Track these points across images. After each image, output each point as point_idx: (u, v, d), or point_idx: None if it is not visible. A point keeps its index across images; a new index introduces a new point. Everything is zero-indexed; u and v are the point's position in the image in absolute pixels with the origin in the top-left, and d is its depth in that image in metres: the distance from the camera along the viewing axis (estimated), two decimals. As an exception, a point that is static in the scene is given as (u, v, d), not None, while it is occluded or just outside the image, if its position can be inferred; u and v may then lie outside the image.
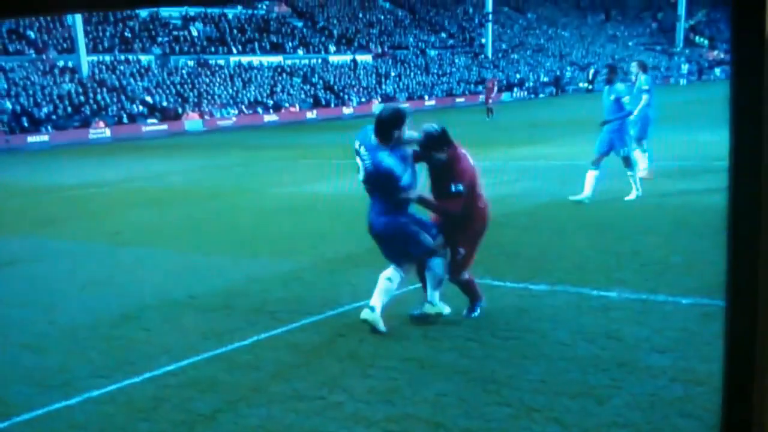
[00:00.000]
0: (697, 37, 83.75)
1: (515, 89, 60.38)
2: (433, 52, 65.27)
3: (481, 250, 6.59)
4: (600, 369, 4.63)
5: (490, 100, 36.16)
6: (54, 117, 39.47)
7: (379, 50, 61.69)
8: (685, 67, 71.98)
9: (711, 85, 60.12)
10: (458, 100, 56.20)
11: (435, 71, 60.72)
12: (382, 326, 6.13)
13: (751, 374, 1.16)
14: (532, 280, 7.64)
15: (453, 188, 6.18)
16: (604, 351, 5.19)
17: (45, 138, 37.74)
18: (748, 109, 1.08)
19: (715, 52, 79.97)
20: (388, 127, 6.06)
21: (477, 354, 5.78)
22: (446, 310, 6.47)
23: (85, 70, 44.29)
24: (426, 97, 53.58)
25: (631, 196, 12.13)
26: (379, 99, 51.99)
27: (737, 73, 1.09)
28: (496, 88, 38.18)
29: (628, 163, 12.23)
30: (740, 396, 1.18)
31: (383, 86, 55.44)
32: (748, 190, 1.11)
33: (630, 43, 79.25)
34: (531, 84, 62.24)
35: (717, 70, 74.29)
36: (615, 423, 4.58)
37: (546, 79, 64.24)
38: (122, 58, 47.33)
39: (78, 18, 43.25)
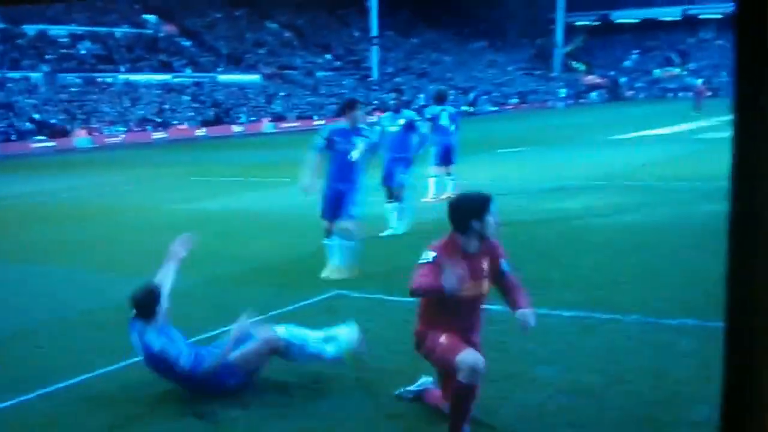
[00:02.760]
0: (574, 63, 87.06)
1: (402, 110, 61.42)
2: (321, 74, 65.72)
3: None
4: (488, 380, 4.75)
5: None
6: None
7: (268, 70, 61.76)
8: (562, 92, 74.67)
9: (588, 108, 62.64)
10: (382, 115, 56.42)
11: (324, 92, 61.18)
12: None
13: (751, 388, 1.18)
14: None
15: None
16: (492, 363, 5.30)
17: (-66, 155, 35.92)
18: (751, 124, 1.11)
19: (591, 77, 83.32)
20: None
21: (371, 366, 5.85)
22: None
23: (-28, 88, 42.87)
24: (315, 117, 53.82)
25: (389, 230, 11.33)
26: (269, 118, 52.05)
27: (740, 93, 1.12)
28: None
29: (400, 194, 11.45)
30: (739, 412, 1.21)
31: (273, 105, 55.47)
32: (748, 205, 1.15)
33: (509, 68, 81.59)
34: (416, 107, 63.42)
35: (593, 94, 77.40)
36: (503, 433, 4.72)
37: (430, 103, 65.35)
38: (10, 75, 46.33)
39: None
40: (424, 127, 11.37)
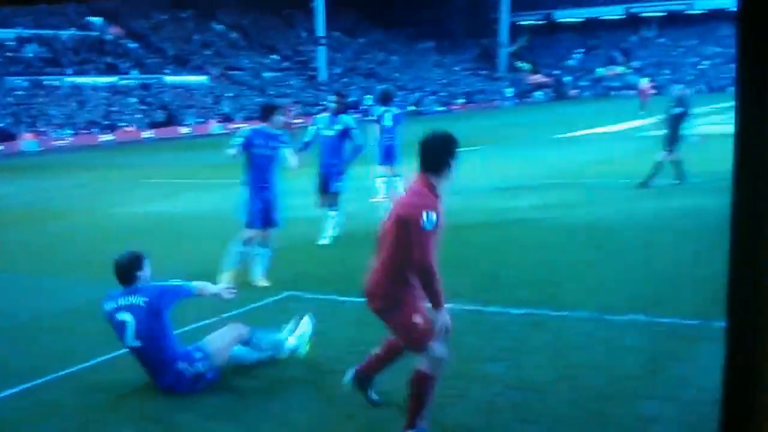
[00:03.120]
0: (519, 62, 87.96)
1: (350, 111, 61.51)
2: (268, 74, 65.40)
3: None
4: (441, 378, 4.81)
5: (291, 126, 36.14)
6: None
7: (215, 72, 61.30)
8: (508, 91, 75.41)
9: (533, 107, 63.36)
10: (296, 121, 56.34)
11: (272, 93, 60.96)
12: None
13: (753, 389, 1.19)
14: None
15: None
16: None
17: None
18: (754, 128, 1.11)
19: (536, 76, 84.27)
20: None
21: (323, 369, 5.87)
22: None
23: None
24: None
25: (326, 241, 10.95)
26: (217, 119, 51.67)
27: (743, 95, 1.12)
28: (292, 115, 38.41)
29: (335, 201, 11.10)
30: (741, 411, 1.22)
31: (220, 107, 55.06)
32: (750, 204, 1.13)
33: (456, 68, 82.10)
34: (365, 107, 63.47)
35: (538, 93, 78.28)
36: (457, 430, 4.78)
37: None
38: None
39: None
40: (359, 137, 10.96)
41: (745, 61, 1.06)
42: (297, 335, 6.08)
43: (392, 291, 4.51)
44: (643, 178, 14.65)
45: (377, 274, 4.56)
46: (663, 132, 15.08)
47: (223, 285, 6.10)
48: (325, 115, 11.17)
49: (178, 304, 5.82)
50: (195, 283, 5.93)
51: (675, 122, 14.77)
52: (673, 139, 14.72)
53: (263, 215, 8.71)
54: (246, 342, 5.87)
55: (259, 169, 8.65)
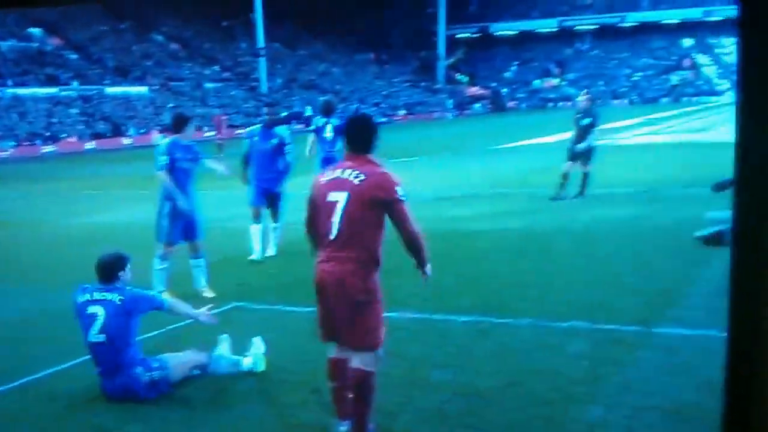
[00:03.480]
0: (457, 74, 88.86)
1: (293, 122, 61.68)
2: (209, 85, 65.07)
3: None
4: (389, 386, 4.85)
5: (220, 136, 35.87)
6: None
7: (156, 82, 60.82)
8: (449, 103, 76.15)
9: (473, 119, 64.08)
10: (239, 131, 56.00)
11: (213, 103, 60.66)
12: None
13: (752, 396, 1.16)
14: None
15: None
16: (392, 369, 5.42)
17: None
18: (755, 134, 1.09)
19: (474, 88, 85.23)
20: None
21: (273, 380, 5.85)
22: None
23: None
24: (204, 129, 53.18)
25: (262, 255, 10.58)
26: (159, 130, 51.13)
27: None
28: (224, 125, 38.09)
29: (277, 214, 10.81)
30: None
31: (161, 117, 54.55)
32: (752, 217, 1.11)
33: (396, 80, 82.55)
34: (305, 118, 63.54)
35: (477, 105, 79.16)
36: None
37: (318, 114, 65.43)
38: None
39: None
40: (291, 154, 10.79)
41: (746, 68, 1.07)
42: (252, 354, 6.08)
43: (369, 281, 4.51)
44: (554, 192, 14.58)
45: (351, 264, 4.46)
46: (572, 143, 14.95)
47: (204, 309, 6.03)
48: (258, 127, 10.86)
49: (148, 314, 5.85)
50: (168, 299, 6.03)
51: (584, 133, 14.68)
52: (582, 150, 14.59)
53: (185, 229, 8.59)
54: (203, 368, 5.92)
55: (179, 183, 8.50)
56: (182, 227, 8.57)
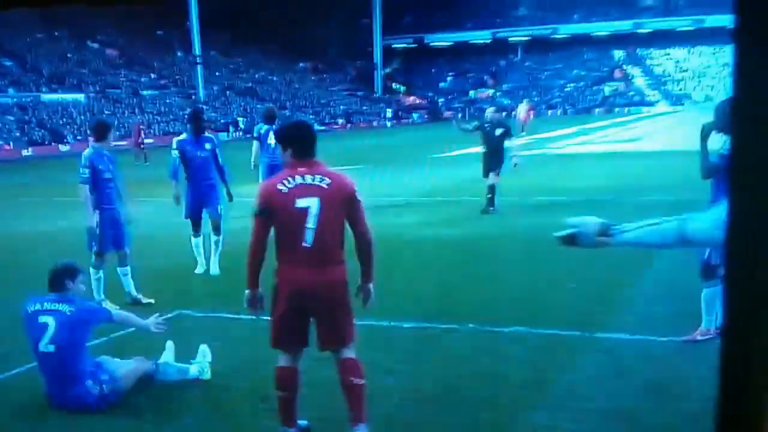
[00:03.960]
0: (394, 84, 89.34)
1: (231, 129, 61.19)
2: (146, 92, 64.33)
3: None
4: (336, 393, 4.85)
5: (141, 145, 35.52)
6: None
7: (92, 90, 60.03)
8: (388, 112, 76.49)
9: (411, 128, 64.48)
10: (178, 138, 55.38)
11: (150, 110, 59.95)
12: None
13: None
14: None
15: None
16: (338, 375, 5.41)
17: None
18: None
19: (411, 98, 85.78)
20: None
21: (220, 387, 5.81)
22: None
23: None
24: (141, 135, 52.83)
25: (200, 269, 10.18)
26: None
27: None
28: (143, 134, 37.71)
29: (219, 224, 10.25)
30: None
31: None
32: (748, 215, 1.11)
33: (334, 89, 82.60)
34: (243, 126, 63.05)
35: (414, 115, 79.67)
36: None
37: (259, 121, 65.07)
38: None
39: None
40: (221, 157, 10.04)
41: (740, 78, 1.09)
42: (198, 362, 6.06)
43: (344, 278, 4.67)
44: (483, 206, 14.43)
45: (335, 266, 4.60)
46: (485, 156, 14.64)
47: (152, 318, 5.91)
48: (186, 135, 10.26)
49: (97, 326, 5.81)
50: (116, 312, 6.03)
51: (498, 144, 14.42)
52: (497, 161, 14.38)
53: (114, 238, 8.49)
54: (150, 376, 5.86)
55: (104, 193, 8.36)
56: (112, 236, 8.47)
